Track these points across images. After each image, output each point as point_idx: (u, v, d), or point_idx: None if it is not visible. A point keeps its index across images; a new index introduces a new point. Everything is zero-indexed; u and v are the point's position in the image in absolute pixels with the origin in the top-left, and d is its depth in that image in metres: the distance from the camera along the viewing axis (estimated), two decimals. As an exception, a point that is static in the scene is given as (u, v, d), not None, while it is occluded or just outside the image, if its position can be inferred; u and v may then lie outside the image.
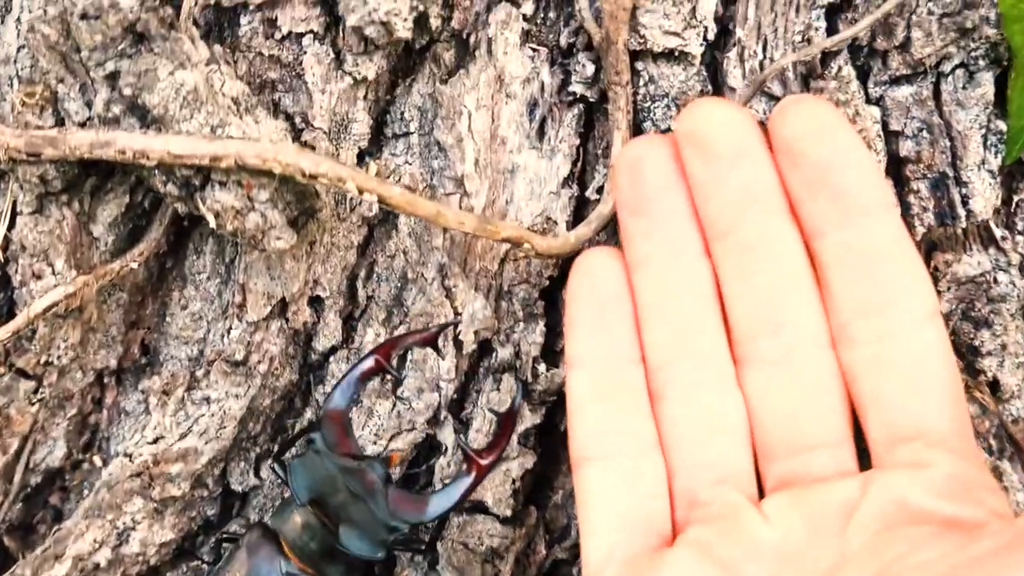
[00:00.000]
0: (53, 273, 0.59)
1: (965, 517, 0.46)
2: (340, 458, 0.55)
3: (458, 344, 0.61)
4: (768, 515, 0.50)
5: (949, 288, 0.57)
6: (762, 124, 0.52)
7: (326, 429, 0.55)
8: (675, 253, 0.52)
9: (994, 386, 0.57)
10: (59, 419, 0.63)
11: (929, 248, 0.58)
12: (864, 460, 0.50)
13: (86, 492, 0.64)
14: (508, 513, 0.61)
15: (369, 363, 0.56)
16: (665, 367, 0.53)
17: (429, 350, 0.60)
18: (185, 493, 0.62)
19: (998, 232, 0.57)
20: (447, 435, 0.61)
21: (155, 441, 0.62)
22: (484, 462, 0.55)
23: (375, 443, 0.61)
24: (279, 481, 0.63)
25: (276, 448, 0.62)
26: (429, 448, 0.62)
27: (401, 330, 0.61)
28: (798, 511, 0.49)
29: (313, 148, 0.58)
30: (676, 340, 0.52)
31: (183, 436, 0.61)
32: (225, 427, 0.61)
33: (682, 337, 0.52)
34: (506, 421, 0.57)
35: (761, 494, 0.52)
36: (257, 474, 0.64)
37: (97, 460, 0.64)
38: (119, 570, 0.63)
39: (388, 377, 0.59)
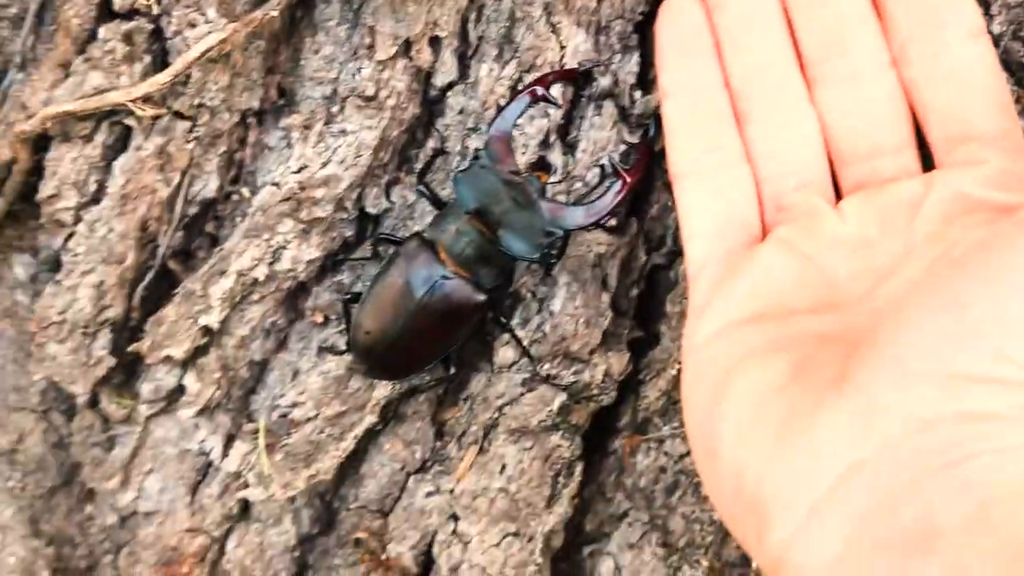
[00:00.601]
0: (206, 21, 0.66)
1: (1015, 203, 0.54)
2: (504, 172, 0.63)
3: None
4: (844, 214, 0.59)
5: (1001, 12, 0.63)
6: None
7: (492, 148, 0.63)
8: None
9: (1041, 98, 0.64)
10: (211, 155, 0.71)
11: (984, -27, 0.64)
12: (928, 166, 0.59)
13: (238, 220, 0.73)
14: (613, 223, 0.70)
15: (531, 93, 0.64)
16: (747, 92, 0.61)
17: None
18: (329, 215, 0.70)
19: (1045, -40, 0.64)
20: (556, 157, 0.70)
21: (299, 170, 0.70)
22: (630, 178, 0.63)
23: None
24: (409, 203, 0.72)
25: (416, 173, 0.70)
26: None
27: (512, 64, 0.68)
28: (870, 208, 0.58)
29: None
30: (754, 68, 0.61)
31: (324, 165, 0.69)
32: (361, 155, 0.69)
33: (759, 65, 0.60)
34: (644, 147, 0.65)
35: (839, 198, 0.61)
36: (388, 198, 0.72)
37: (245, 191, 0.72)
38: (273, 285, 0.72)
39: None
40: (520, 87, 0.68)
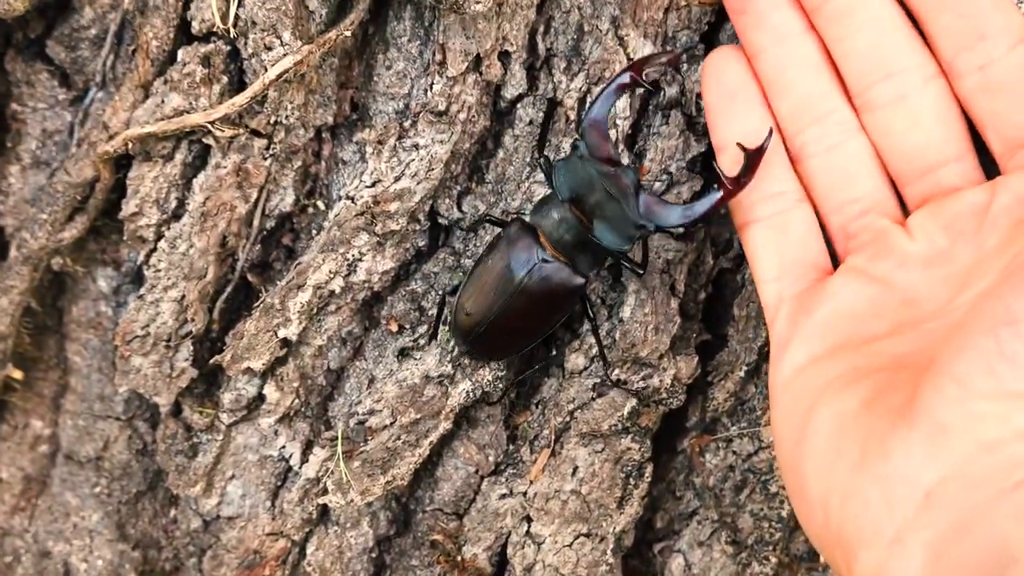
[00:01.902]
0: (282, 44, 0.67)
1: None
2: (599, 163, 0.63)
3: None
4: (912, 229, 0.59)
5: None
6: None
7: (588, 137, 0.63)
8: (782, 36, 0.61)
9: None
10: (287, 171, 0.72)
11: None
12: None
13: (313, 232, 0.75)
14: (680, 229, 0.71)
15: (625, 78, 0.63)
16: (798, 132, 0.62)
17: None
18: (403, 227, 0.72)
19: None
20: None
21: (373, 184, 0.71)
22: (732, 187, 0.62)
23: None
24: (481, 213, 0.73)
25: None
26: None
27: (580, 77, 0.69)
28: (937, 221, 0.58)
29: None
30: (802, 108, 0.61)
31: (398, 179, 0.71)
32: (433, 169, 0.70)
33: (806, 104, 0.61)
34: (755, 156, 0.61)
35: (906, 216, 0.61)
36: (460, 208, 0.73)
37: (320, 204, 0.74)
38: (349, 296, 0.74)
39: (639, 91, 0.67)
40: (615, 72, 0.68)
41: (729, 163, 0.62)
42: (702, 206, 0.63)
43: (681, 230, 0.69)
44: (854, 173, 0.61)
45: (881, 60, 0.59)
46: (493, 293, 0.68)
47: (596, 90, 0.69)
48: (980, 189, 0.58)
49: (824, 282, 0.61)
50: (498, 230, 0.70)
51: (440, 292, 0.74)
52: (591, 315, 0.70)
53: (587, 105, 0.66)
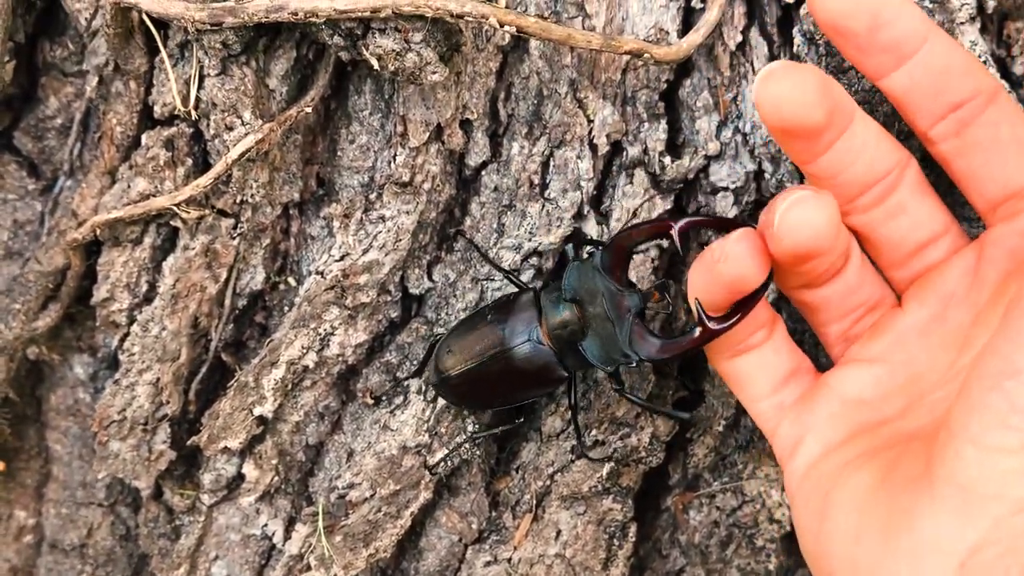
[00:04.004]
0: (242, 124, 0.68)
1: None
2: (608, 280, 0.64)
3: (593, 147, 0.70)
4: (906, 306, 0.59)
5: (1023, 52, 0.65)
6: None
7: (608, 252, 0.64)
8: None
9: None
10: (256, 249, 0.73)
11: (1002, 18, 0.65)
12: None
13: (286, 308, 0.75)
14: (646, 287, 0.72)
15: (664, 225, 0.62)
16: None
17: (569, 155, 0.69)
18: (373, 299, 0.72)
19: (1060, -3, 0.65)
20: (591, 228, 0.71)
21: (342, 258, 0.71)
22: (712, 327, 0.59)
23: (530, 240, 0.71)
24: (451, 282, 0.74)
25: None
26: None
27: (542, 141, 0.70)
28: (930, 291, 0.59)
29: (457, -10, 0.66)
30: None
31: (366, 251, 0.71)
32: (401, 240, 0.71)
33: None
34: (747, 301, 0.58)
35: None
36: (430, 277, 0.74)
37: (291, 280, 0.74)
38: (323, 370, 0.74)
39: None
40: (661, 214, 0.70)
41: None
42: (676, 345, 0.62)
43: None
44: (855, 284, 0.60)
45: (867, 169, 0.57)
46: (479, 346, 0.68)
47: (637, 219, 0.70)
48: (966, 251, 0.58)
49: (823, 379, 0.61)
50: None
51: (433, 335, 0.74)
52: (573, 402, 0.70)
53: (625, 225, 0.68)
